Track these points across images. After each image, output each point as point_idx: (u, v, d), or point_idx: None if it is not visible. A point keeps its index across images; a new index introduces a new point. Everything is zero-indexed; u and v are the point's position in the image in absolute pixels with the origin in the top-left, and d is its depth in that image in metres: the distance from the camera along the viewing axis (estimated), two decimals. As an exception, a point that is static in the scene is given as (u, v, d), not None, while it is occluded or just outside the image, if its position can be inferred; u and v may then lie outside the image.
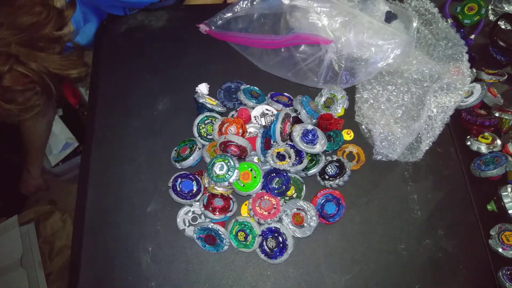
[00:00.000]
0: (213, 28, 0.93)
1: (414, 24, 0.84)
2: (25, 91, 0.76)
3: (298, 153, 0.78)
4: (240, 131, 0.79)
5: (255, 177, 0.75)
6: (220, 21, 0.93)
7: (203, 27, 0.93)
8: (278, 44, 0.87)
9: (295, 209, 0.75)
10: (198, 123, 0.82)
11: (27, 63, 0.71)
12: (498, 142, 0.82)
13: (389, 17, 0.86)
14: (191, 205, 0.77)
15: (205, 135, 0.82)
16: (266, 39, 0.88)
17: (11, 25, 0.67)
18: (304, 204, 0.75)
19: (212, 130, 0.80)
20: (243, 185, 0.75)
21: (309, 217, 0.74)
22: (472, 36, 0.96)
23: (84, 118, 1.90)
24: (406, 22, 0.85)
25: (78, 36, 0.88)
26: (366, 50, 0.82)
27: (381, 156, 0.82)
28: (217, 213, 0.74)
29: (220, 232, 0.72)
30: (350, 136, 0.85)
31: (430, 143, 0.81)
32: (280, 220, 0.75)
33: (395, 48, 0.81)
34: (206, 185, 0.76)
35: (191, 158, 0.78)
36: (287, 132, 0.80)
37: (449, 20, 0.96)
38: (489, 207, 0.79)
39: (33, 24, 0.69)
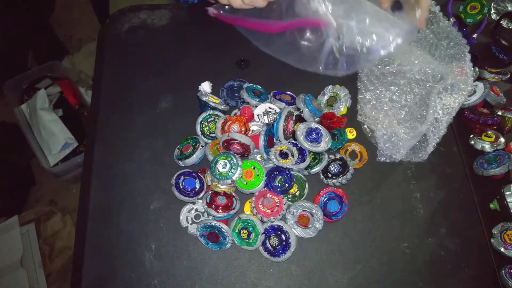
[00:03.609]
0: (221, 12, 0.92)
1: (418, 14, 0.83)
2: None
3: (301, 151, 0.78)
4: (243, 129, 0.79)
5: (258, 175, 0.75)
6: (228, 5, 0.92)
7: (211, 10, 0.92)
8: (283, 27, 0.87)
9: (301, 211, 0.75)
10: (201, 121, 0.82)
11: None
12: (502, 140, 0.82)
13: (396, 7, 0.85)
14: (194, 203, 0.77)
15: (208, 133, 0.82)
16: (271, 23, 0.88)
17: None
18: (312, 206, 0.75)
19: (215, 128, 0.80)
20: (246, 183, 0.75)
21: (315, 219, 0.74)
22: (475, 35, 0.96)
23: (84, 118, 1.90)
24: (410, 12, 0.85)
25: None
26: (367, 38, 0.82)
27: (385, 158, 0.82)
28: (220, 211, 0.74)
29: (223, 230, 0.72)
30: (352, 135, 0.86)
31: (435, 145, 0.81)
32: (283, 218, 0.75)
33: (397, 36, 0.81)
34: (209, 183, 0.76)
35: (194, 156, 0.78)
36: (290, 130, 0.80)
37: (451, 19, 0.96)
38: (492, 205, 0.79)
39: None
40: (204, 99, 0.82)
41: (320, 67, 0.84)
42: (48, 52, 2.12)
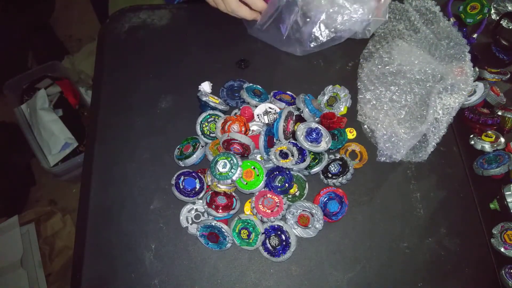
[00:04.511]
0: None
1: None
2: None
3: (301, 151, 0.78)
4: (243, 129, 0.79)
5: (258, 175, 0.75)
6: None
7: None
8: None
9: (301, 211, 0.75)
10: (201, 121, 0.82)
11: None
12: (502, 140, 0.82)
13: None
14: (194, 203, 0.77)
15: (208, 133, 0.82)
16: None
17: None
18: (312, 206, 0.75)
19: (215, 128, 0.80)
20: (246, 183, 0.74)
21: (315, 219, 0.74)
22: (475, 35, 0.96)
23: (84, 118, 1.90)
24: None
25: None
26: (336, 15, 0.82)
27: (385, 158, 0.82)
28: (220, 211, 0.74)
29: (223, 230, 0.72)
30: (352, 135, 0.85)
31: (435, 145, 0.81)
32: (283, 218, 0.75)
33: (367, 13, 0.81)
34: (209, 183, 0.76)
35: (194, 156, 0.78)
36: (290, 130, 0.80)
37: (451, 19, 0.96)
38: (492, 206, 0.79)
39: None
40: (204, 99, 0.82)
41: (283, 43, 0.84)
42: (48, 52, 2.12)
